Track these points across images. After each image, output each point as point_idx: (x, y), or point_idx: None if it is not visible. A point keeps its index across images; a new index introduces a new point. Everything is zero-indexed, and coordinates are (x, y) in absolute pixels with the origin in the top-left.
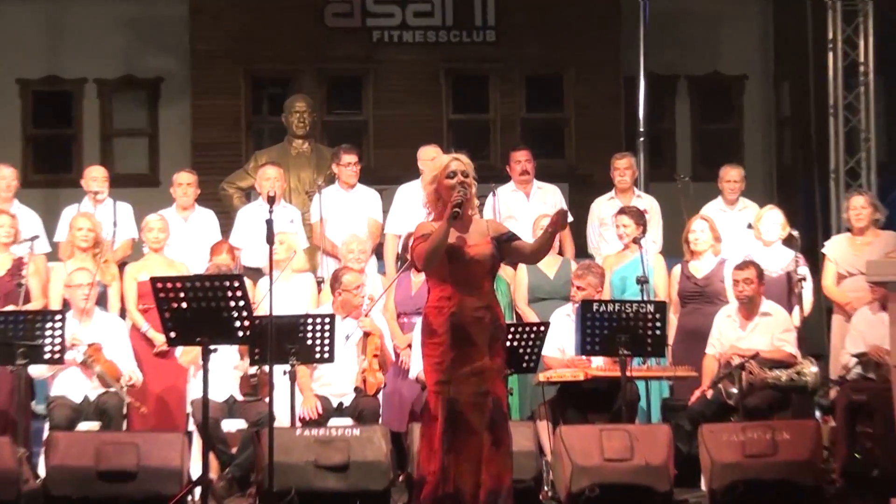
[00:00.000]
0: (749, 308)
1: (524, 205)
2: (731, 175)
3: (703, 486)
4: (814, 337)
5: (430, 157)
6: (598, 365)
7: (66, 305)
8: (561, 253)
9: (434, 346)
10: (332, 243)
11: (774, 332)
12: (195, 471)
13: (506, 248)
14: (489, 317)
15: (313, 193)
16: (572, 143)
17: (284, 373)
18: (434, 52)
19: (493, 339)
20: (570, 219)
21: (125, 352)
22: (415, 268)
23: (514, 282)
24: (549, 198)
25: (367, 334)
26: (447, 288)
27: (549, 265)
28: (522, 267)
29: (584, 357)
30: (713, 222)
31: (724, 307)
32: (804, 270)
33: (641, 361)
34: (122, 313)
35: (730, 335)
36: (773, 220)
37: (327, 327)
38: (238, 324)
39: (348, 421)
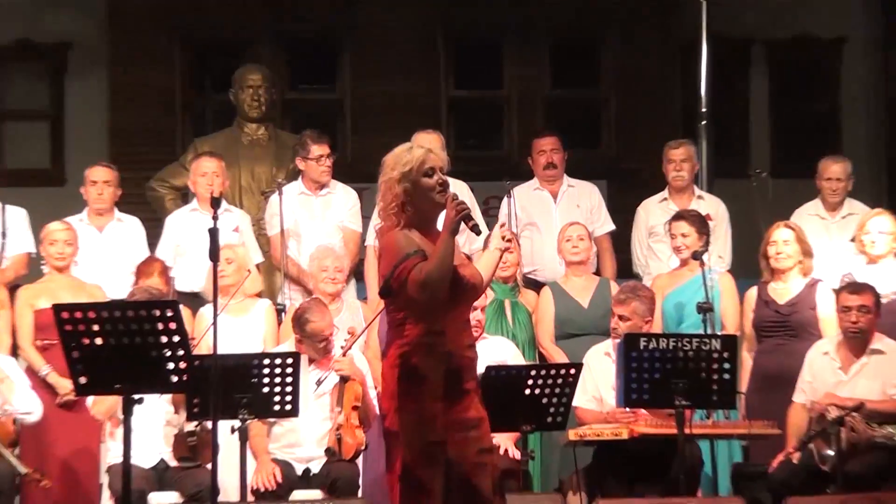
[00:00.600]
0: (856, 344)
1: (549, 209)
2: (834, 171)
3: None
4: None
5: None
6: (648, 419)
7: None
8: (598, 273)
9: (421, 396)
10: (296, 266)
11: (887, 375)
12: None
13: None
14: (476, 356)
15: (271, 194)
16: (612, 129)
17: (233, 430)
18: (430, 9)
19: (478, 384)
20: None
21: (21, 390)
22: (386, 295)
23: (537, 312)
24: (584, 200)
25: (344, 379)
26: (437, 320)
27: (583, 289)
28: (547, 293)
29: (628, 409)
30: (801, 231)
31: (819, 342)
32: None
33: (705, 415)
34: (14, 351)
35: (827, 379)
36: (882, 227)
37: (290, 370)
38: (171, 366)
39: (317, 493)
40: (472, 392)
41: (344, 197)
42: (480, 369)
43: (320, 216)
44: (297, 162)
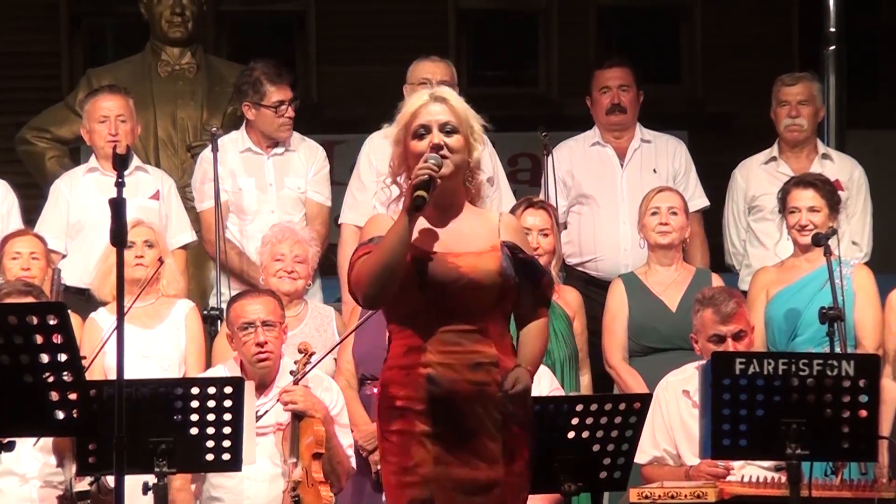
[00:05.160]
0: None
1: (613, 174)
2: None
3: None
4: None
5: (424, 79)
6: (747, 475)
7: None
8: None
9: (397, 437)
10: (240, 254)
11: None
12: None
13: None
14: (498, 380)
15: (201, 150)
16: (696, 54)
17: (147, 489)
18: None
19: (509, 424)
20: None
21: None
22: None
23: (606, 315)
24: (665, 162)
25: (298, 417)
26: (419, 332)
27: (672, 285)
28: (620, 288)
29: (718, 463)
30: None
31: None
32: None
33: (830, 469)
34: None
35: None
36: None
37: (229, 403)
38: (55, 396)
39: None
40: (485, 436)
41: (307, 156)
42: None
43: (275, 183)
44: (245, 109)
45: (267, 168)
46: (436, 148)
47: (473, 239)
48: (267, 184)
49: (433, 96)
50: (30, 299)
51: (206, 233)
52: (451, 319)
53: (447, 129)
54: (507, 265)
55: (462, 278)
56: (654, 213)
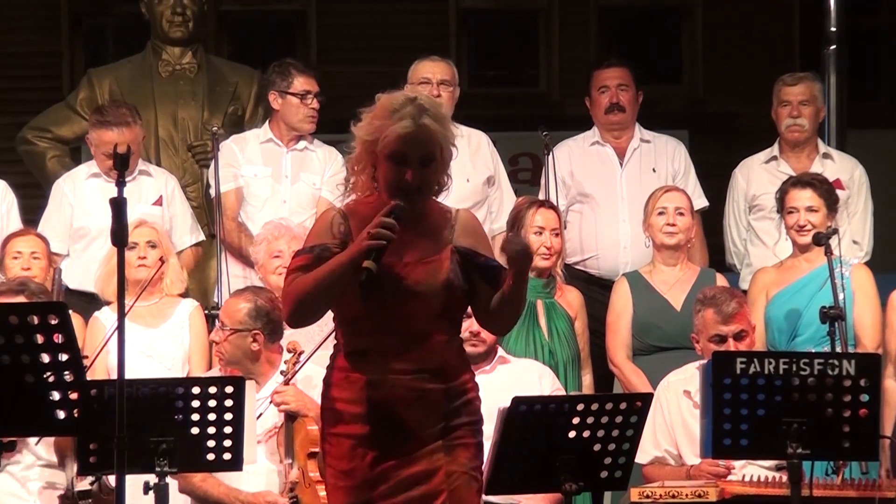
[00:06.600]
0: None
1: (612, 173)
2: None
3: None
4: None
5: (424, 78)
6: (748, 475)
7: None
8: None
9: (337, 440)
10: (246, 233)
11: None
12: None
13: (473, 284)
14: (442, 388)
15: (200, 149)
16: (697, 54)
17: (147, 489)
18: None
19: (451, 427)
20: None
21: None
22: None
23: (610, 313)
24: (664, 161)
25: (291, 417)
26: (360, 337)
27: (676, 284)
28: (624, 286)
29: (719, 462)
30: None
31: None
32: None
33: (831, 468)
34: None
35: None
36: None
37: (230, 402)
38: (57, 396)
39: None
40: (426, 439)
41: (326, 157)
42: (500, 401)
43: (290, 175)
44: (272, 98)
45: (285, 161)
46: (407, 189)
47: (425, 244)
48: (283, 175)
49: (417, 123)
50: (21, 298)
51: (215, 213)
52: (394, 327)
53: (426, 160)
54: (454, 275)
55: (405, 290)
56: (661, 214)
